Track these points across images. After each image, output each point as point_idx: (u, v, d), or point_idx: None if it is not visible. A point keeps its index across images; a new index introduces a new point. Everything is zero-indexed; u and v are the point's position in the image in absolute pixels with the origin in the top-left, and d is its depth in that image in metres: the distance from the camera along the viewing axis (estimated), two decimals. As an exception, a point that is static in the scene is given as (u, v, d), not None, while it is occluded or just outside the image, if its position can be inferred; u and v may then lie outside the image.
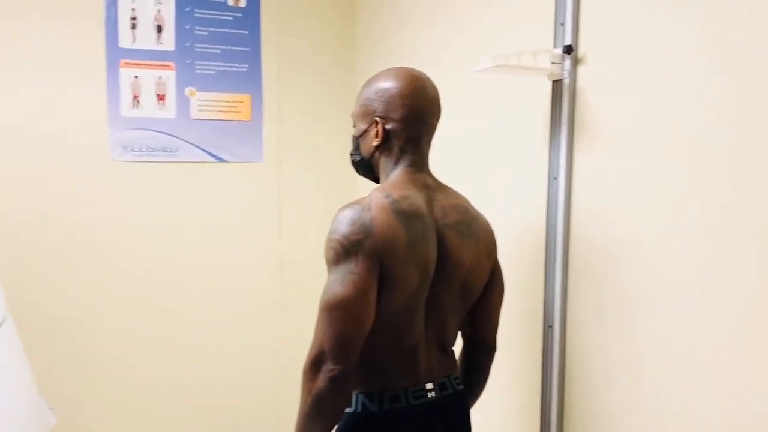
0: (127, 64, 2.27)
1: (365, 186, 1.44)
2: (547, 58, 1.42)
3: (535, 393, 1.57)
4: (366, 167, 1.41)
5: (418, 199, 1.29)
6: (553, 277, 1.50)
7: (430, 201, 1.32)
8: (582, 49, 1.40)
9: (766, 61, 1.04)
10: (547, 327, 1.52)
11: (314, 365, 1.21)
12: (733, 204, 1.10)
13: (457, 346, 1.44)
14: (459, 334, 1.45)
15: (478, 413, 1.58)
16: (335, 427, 1.27)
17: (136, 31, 2.27)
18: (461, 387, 1.39)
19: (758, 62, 1.06)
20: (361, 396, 1.29)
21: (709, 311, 1.15)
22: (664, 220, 1.23)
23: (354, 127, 1.42)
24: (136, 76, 2.28)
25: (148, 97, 2.30)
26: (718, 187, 1.12)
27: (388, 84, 1.33)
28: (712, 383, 1.14)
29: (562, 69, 1.42)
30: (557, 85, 1.45)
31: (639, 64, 1.27)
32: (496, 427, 1.72)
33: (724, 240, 1.12)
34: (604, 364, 1.37)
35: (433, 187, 1.35)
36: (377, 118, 1.33)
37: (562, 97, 1.44)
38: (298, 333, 2.43)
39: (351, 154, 1.45)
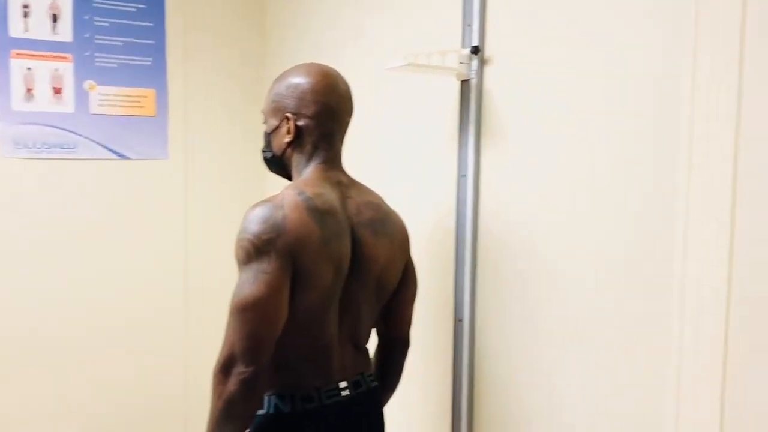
0: (18, 54, 2.12)
1: (276, 183, 1.41)
2: (455, 58, 1.45)
3: (446, 385, 1.61)
4: (278, 164, 1.39)
5: (331, 197, 1.29)
6: (463, 272, 1.53)
7: (343, 198, 1.32)
8: (488, 50, 1.44)
9: (661, 63, 1.11)
10: (458, 321, 1.55)
11: (225, 368, 1.18)
12: (628, 201, 1.16)
13: (372, 344, 1.45)
14: (373, 331, 1.46)
15: (391, 408, 1.60)
16: (247, 430, 1.25)
17: (28, 19, 2.12)
18: (375, 384, 1.39)
19: (654, 64, 1.12)
20: (273, 397, 1.27)
21: (603, 304, 1.21)
22: (565, 217, 1.28)
23: (265, 123, 1.40)
24: (29, 68, 2.14)
25: (42, 91, 2.16)
26: (614, 186, 1.19)
27: (300, 80, 1.32)
28: (606, 373, 1.21)
29: (470, 69, 1.46)
30: (465, 84, 1.49)
31: (543, 66, 1.32)
32: (409, 421, 1.74)
33: (620, 235, 1.18)
34: (509, 355, 1.42)
35: (346, 185, 1.34)
36: (289, 114, 1.31)
37: (469, 96, 1.48)
38: (208, 338, 2.36)
39: (262, 151, 1.42)
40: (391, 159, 1.80)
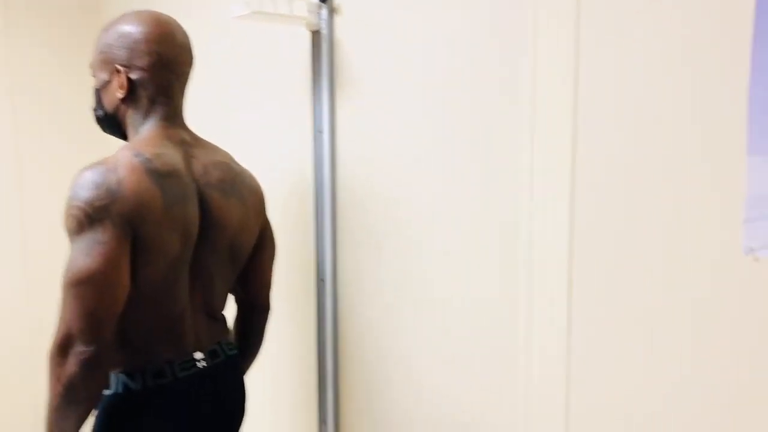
0: None
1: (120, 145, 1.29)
2: (304, 6, 1.38)
3: (311, 346, 1.58)
4: (111, 123, 1.27)
5: (174, 157, 1.19)
6: (323, 232, 1.49)
7: (188, 158, 1.22)
8: (338, -1, 1.38)
9: (507, 22, 1.11)
10: (320, 281, 1.52)
11: (62, 349, 1.08)
12: (485, 153, 1.17)
13: (231, 310, 1.38)
14: (232, 297, 1.40)
15: (256, 373, 1.56)
16: (94, 413, 1.15)
17: None
18: (234, 352, 1.33)
19: (501, 22, 1.12)
20: (121, 376, 1.18)
21: (453, 263, 1.22)
22: (420, 175, 1.27)
23: (94, 77, 1.26)
24: None
25: None
26: (470, 136, 1.19)
27: (131, 28, 1.20)
28: (458, 332, 1.23)
29: (320, 19, 1.39)
30: (316, 35, 1.42)
31: (391, 17, 1.28)
32: (274, 385, 1.71)
33: (478, 190, 1.19)
34: (370, 314, 1.42)
35: (190, 143, 1.25)
36: (119, 67, 1.19)
37: (321, 48, 1.41)
38: (53, 315, 2.17)
39: (93, 109, 1.29)
40: (243, 115, 1.71)
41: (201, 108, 1.74)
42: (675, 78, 0.89)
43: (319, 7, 1.38)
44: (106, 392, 1.18)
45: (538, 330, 1.09)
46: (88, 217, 1.07)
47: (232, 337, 1.39)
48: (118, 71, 1.19)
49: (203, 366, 1.25)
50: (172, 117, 1.23)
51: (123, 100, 1.21)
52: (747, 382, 0.85)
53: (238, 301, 1.43)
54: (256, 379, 1.62)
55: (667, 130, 0.90)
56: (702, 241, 0.87)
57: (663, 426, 0.94)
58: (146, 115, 1.21)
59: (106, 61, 1.21)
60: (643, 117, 0.93)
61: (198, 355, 1.24)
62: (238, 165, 1.32)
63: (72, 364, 1.07)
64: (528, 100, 1.06)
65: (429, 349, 1.30)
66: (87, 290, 1.06)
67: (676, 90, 0.89)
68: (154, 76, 1.19)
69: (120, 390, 1.18)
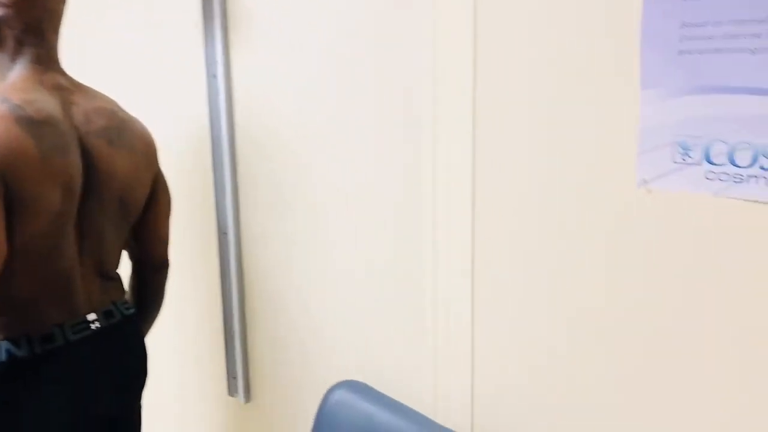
0: None
1: None
2: (190, -62, 1.28)
3: (216, 301, 1.53)
4: (-27, 68, 1.14)
5: (49, 104, 1.08)
6: (223, 182, 1.43)
7: (66, 105, 1.12)
8: (227, -69, 1.29)
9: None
10: (222, 234, 1.47)
11: (-68, 319, 0.98)
12: (390, 98, 1.14)
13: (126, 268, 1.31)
14: (126, 254, 1.32)
15: (158, 332, 1.49)
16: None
17: None
18: (131, 311, 1.26)
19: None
20: (4, 343, 1.09)
21: (366, 210, 1.20)
22: (324, 119, 1.23)
23: (-52, 16, 1.12)
24: None
25: None
26: (374, 83, 1.15)
27: (-12, -42, 1.06)
28: (363, 281, 1.22)
29: (208, -48, 1.30)
30: (206, -30, 1.33)
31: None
32: (179, 343, 1.65)
33: (383, 138, 1.16)
34: (277, 265, 1.38)
35: (68, 89, 1.14)
36: (-24, 3, 1.06)
37: (211, -16, 1.33)
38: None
39: (-49, 52, 1.15)
40: (128, 59, 1.58)
41: (80, 51, 1.60)
42: (571, 18, 0.88)
43: (207, -61, 1.29)
44: (-12, 362, 1.09)
45: (444, 280, 1.09)
46: (-50, 173, 0.96)
47: (128, 296, 1.31)
48: (-26, 8, 1.06)
49: (97, 327, 1.17)
50: (45, 59, 1.11)
51: (-17, 41, 1.09)
52: (641, 306, 0.88)
53: (132, 258, 1.34)
54: (159, 337, 1.56)
55: (564, 69, 0.90)
56: (598, 176, 0.89)
57: (565, 363, 0.97)
58: (13, 57, 1.09)
59: (-40, -4, 1.08)
60: (540, 54, 0.92)
61: (91, 316, 1.17)
62: (125, 112, 1.22)
63: (-55, 335, 0.98)
64: (430, 46, 1.03)
65: (335, 299, 1.29)
66: (-44, 254, 0.97)
67: (572, 30, 0.88)
68: (18, 12, 1.07)
69: (3, 358, 1.09)
